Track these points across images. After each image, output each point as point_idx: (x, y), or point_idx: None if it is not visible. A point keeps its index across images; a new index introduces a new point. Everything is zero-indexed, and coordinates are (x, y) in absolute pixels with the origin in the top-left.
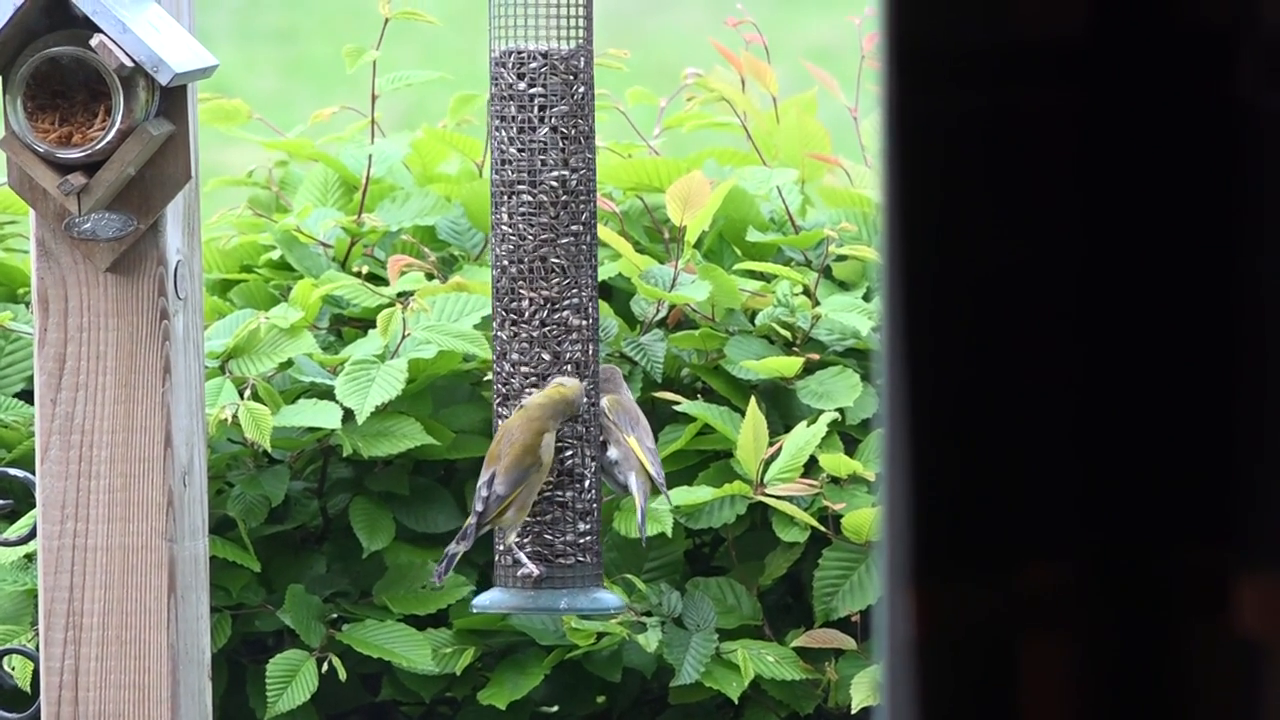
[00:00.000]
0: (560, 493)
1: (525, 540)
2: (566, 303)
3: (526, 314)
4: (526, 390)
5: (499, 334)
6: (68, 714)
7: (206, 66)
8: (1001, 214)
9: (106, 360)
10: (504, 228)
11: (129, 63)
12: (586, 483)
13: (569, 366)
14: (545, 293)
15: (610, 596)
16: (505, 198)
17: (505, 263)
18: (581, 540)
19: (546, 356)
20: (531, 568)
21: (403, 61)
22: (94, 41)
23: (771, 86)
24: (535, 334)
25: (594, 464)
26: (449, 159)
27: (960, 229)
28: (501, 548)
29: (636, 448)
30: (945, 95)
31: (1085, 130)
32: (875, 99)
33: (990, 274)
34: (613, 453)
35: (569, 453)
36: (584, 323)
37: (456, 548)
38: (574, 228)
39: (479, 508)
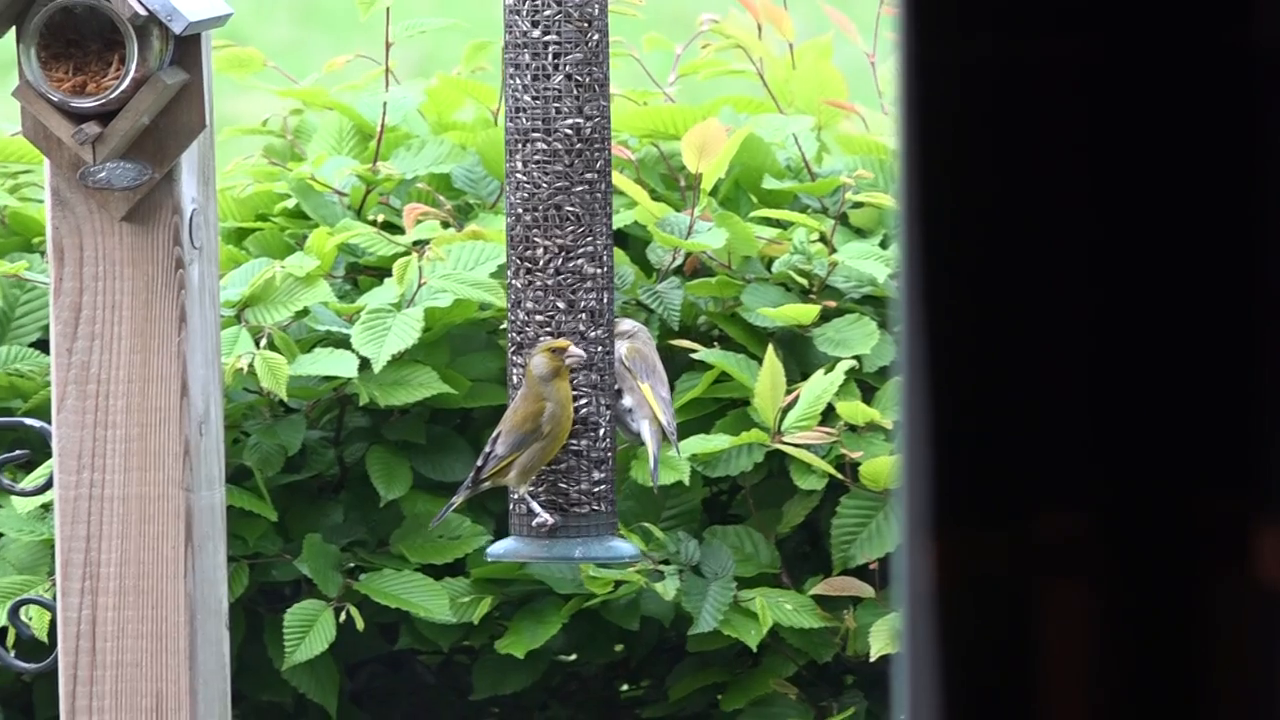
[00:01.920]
0: (575, 441)
1: (540, 489)
2: (581, 251)
3: (541, 262)
4: (540, 338)
5: (513, 282)
6: (85, 664)
7: (220, 15)
8: (1017, 160)
9: (122, 310)
10: (518, 176)
11: (143, 11)
12: (601, 431)
13: (583, 315)
14: (560, 241)
15: (625, 545)
16: (519, 146)
17: (520, 211)
18: (596, 489)
19: (561, 305)
20: (546, 517)
21: (417, 9)
22: None
23: (788, 32)
24: (550, 282)
25: (609, 412)
26: (464, 106)
27: (977, 175)
28: (515, 496)
29: (650, 395)
30: (962, 41)
31: (1101, 77)
32: (892, 44)
33: (1006, 220)
34: (626, 400)
35: (584, 401)
36: (598, 271)
37: (455, 498)
38: (588, 176)
39: (479, 462)
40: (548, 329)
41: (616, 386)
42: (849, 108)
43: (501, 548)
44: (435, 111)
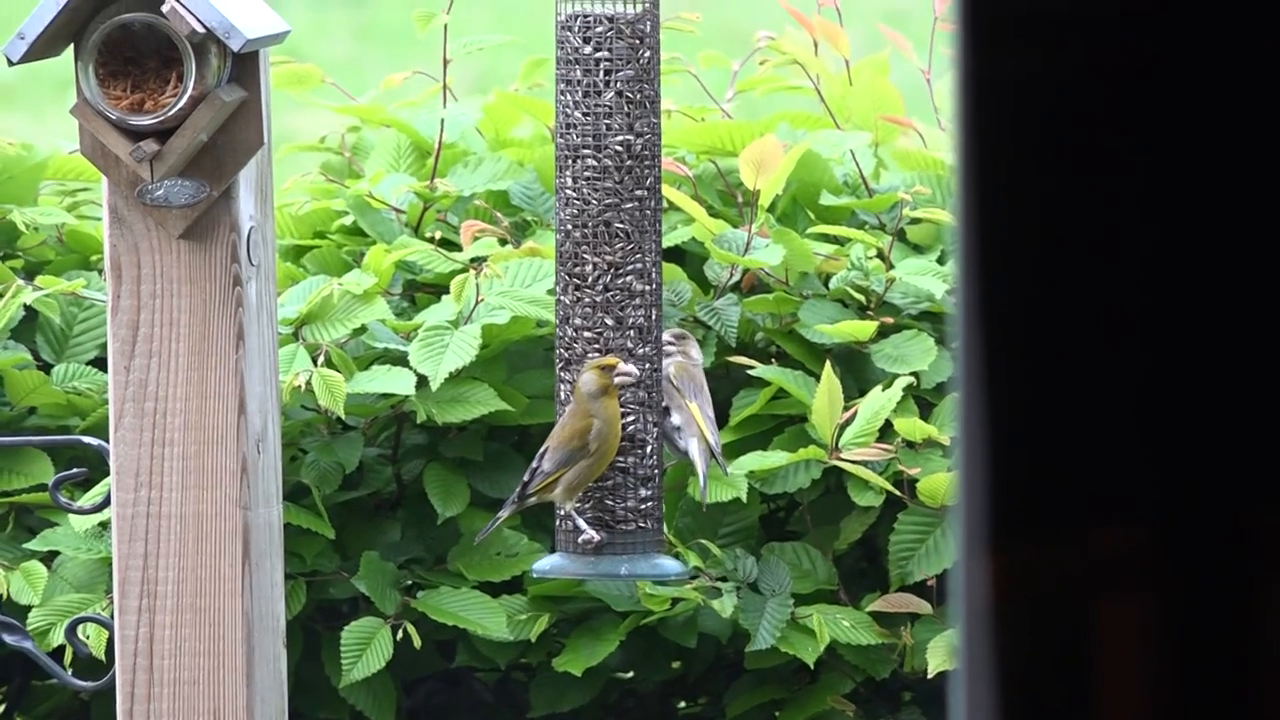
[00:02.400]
0: (621, 459)
1: (586, 506)
2: (630, 268)
3: (590, 279)
4: (589, 355)
5: (562, 298)
6: (143, 682)
7: (278, 32)
8: (1073, 174)
9: (179, 327)
10: (568, 192)
11: (200, 29)
12: (648, 449)
13: (631, 332)
14: (609, 258)
15: (671, 562)
16: (570, 162)
17: (569, 227)
18: (643, 506)
19: (609, 321)
20: (591, 534)
21: (475, 26)
22: (166, 8)
23: (844, 49)
24: (598, 299)
25: (656, 430)
26: (521, 123)
27: (1033, 189)
28: (561, 513)
29: (698, 414)
30: (1018, 56)
31: (1156, 89)
32: (948, 61)
33: (1062, 234)
34: (675, 418)
35: (631, 419)
36: (647, 288)
37: (501, 512)
38: (638, 193)
39: (525, 477)
40: (596, 346)
41: (664, 404)
42: (906, 123)
43: (547, 564)
44: (492, 128)
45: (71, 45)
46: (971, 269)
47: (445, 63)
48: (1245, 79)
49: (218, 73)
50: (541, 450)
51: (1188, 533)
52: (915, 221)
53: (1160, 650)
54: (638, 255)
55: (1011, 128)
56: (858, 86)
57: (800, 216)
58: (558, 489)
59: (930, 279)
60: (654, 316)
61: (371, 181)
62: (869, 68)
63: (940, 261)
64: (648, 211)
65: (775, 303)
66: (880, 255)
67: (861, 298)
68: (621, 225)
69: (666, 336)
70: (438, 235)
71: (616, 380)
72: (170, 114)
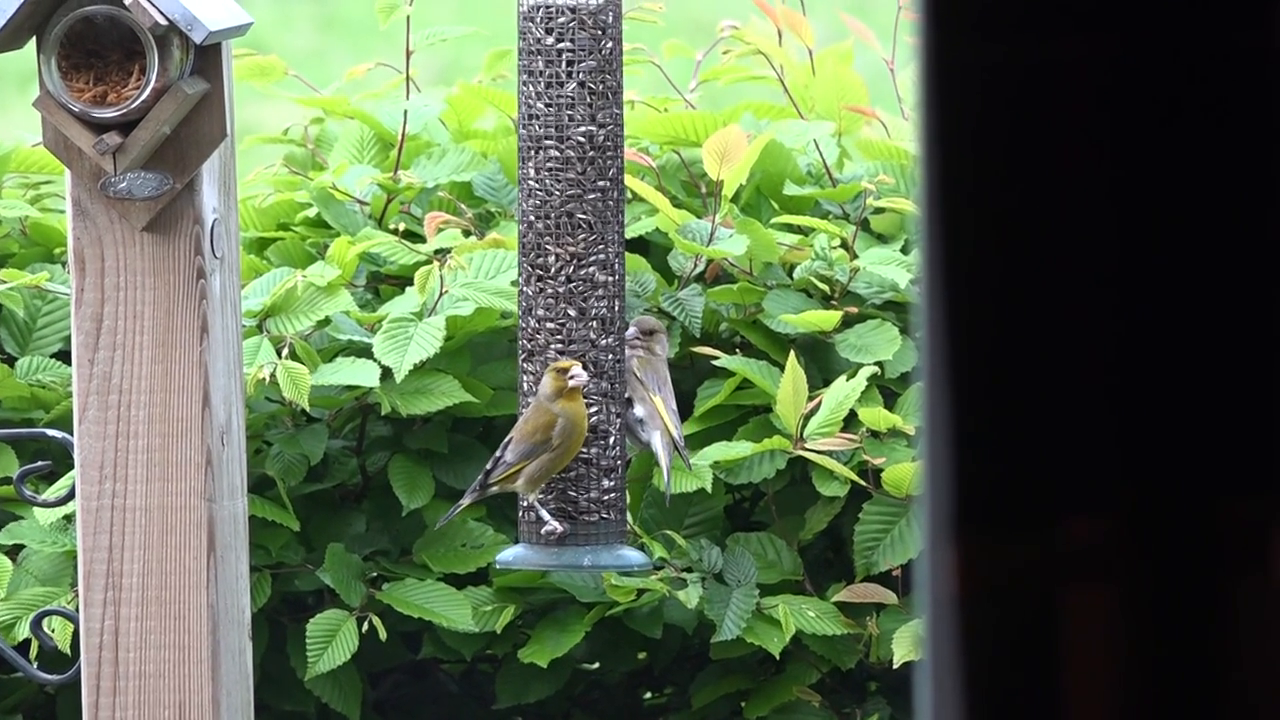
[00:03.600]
0: (585, 449)
1: (549, 497)
2: (593, 258)
3: (553, 269)
4: (551, 346)
5: (525, 289)
6: (108, 674)
7: (241, 24)
8: (1037, 163)
9: (144, 320)
10: (531, 183)
11: (163, 21)
12: (611, 439)
13: (594, 323)
14: (571, 248)
15: (634, 553)
16: (532, 153)
17: (532, 218)
18: (606, 497)
19: (572, 312)
20: (555, 525)
21: (438, 17)
22: (128, 0)
23: (808, 39)
24: (561, 289)
25: (619, 421)
26: (485, 114)
27: (997, 179)
28: (524, 504)
29: (661, 407)
30: (981, 46)
31: (1120, 80)
32: (912, 50)
33: (1027, 224)
34: (638, 410)
35: (594, 409)
36: (610, 279)
37: (464, 499)
38: (601, 183)
39: (488, 466)
40: (559, 337)
41: (627, 395)
42: (870, 113)
43: (511, 555)
44: (456, 119)
45: (34, 38)
46: (935, 258)
47: (408, 54)
48: (1212, 71)
49: (180, 65)
50: (506, 440)
51: (1153, 523)
52: (879, 211)
53: (1126, 640)
54: (600, 246)
55: (974, 117)
56: (821, 76)
57: (764, 206)
58: (520, 480)
59: (894, 268)
60: (617, 307)
61: (335, 173)
62: (832, 57)
63: (904, 251)
64: (610, 202)
65: (739, 293)
66: (844, 245)
67: (825, 288)
68: (584, 216)
69: (633, 330)
70: (401, 227)
71: (570, 384)
72: (133, 106)
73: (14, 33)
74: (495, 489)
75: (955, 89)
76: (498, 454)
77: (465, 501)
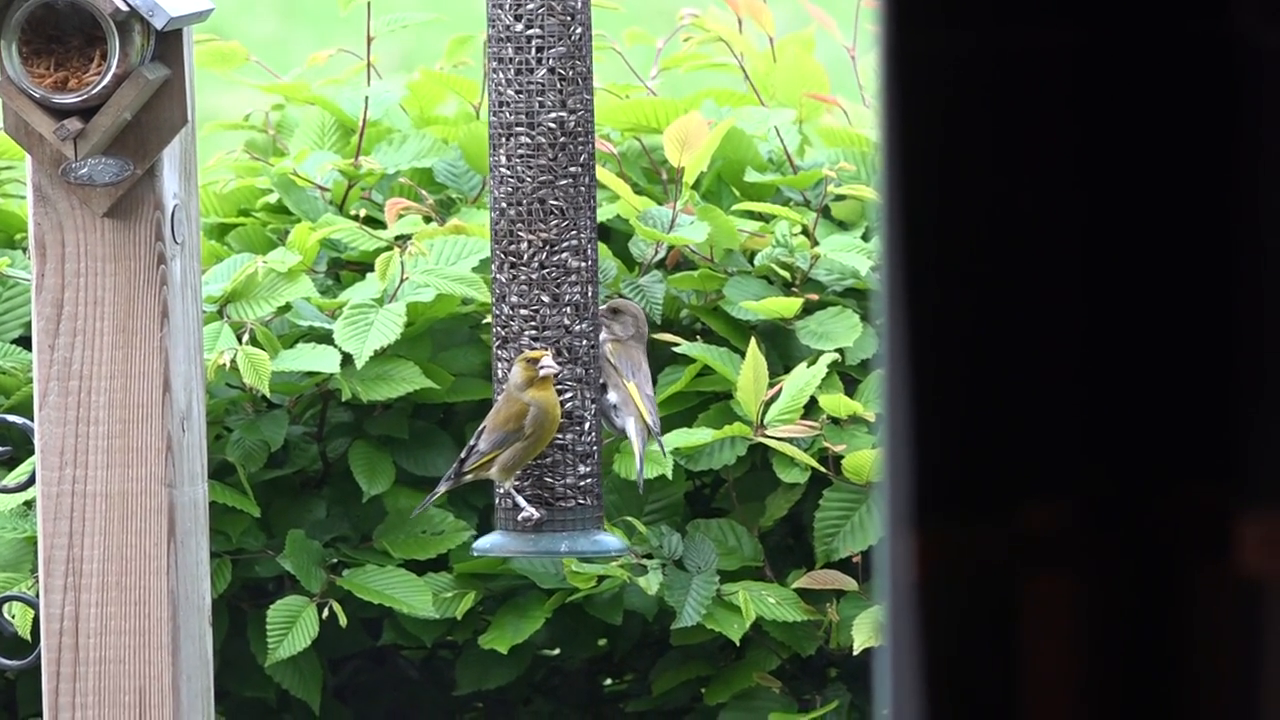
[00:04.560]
0: (560, 435)
1: (525, 484)
2: (565, 245)
3: (525, 256)
4: (525, 333)
5: (498, 276)
6: (68, 660)
7: (202, 10)
8: (1000, 153)
9: (104, 305)
10: (502, 170)
11: (124, 7)
12: (586, 425)
13: (568, 308)
14: (544, 235)
15: (612, 539)
16: (503, 140)
17: (504, 205)
18: (582, 483)
19: (545, 299)
20: (531, 511)
21: (399, 4)
22: None
23: (768, 26)
24: (534, 276)
25: (594, 406)
26: (446, 101)
27: (959, 168)
28: (501, 491)
29: (635, 393)
30: (943, 34)
31: (1083, 69)
32: (873, 38)
33: (989, 213)
34: (612, 396)
35: (569, 395)
36: (583, 265)
37: (436, 488)
38: (572, 169)
39: (462, 454)
40: (532, 323)
41: (601, 381)
42: (830, 101)
43: (487, 542)
44: (417, 106)
45: None
46: (896, 245)
47: (369, 41)
48: (1175, 59)
49: (141, 51)
50: (480, 429)
51: (1114, 510)
52: (840, 198)
53: (1087, 627)
54: (573, 232)
55: (935, 105)
56: (782, 63)
57: (725, 193)
58: (494, 468)
59: (855, 255)
60: (590, 293)
61: (296, 159)
62: (793, 44)
63: (865, 238)
64: (582, 188)
65: (700, 280)
66: (805, 232)
67: (786, 274)
68: (556, 202)
69: (602, 310)
70: (362, 213)
71: (541, 374)
72: (94, 92)
73: None
74: (469, 477)
75: (915, 76)
76: (472, 442)
77: (440, 490)
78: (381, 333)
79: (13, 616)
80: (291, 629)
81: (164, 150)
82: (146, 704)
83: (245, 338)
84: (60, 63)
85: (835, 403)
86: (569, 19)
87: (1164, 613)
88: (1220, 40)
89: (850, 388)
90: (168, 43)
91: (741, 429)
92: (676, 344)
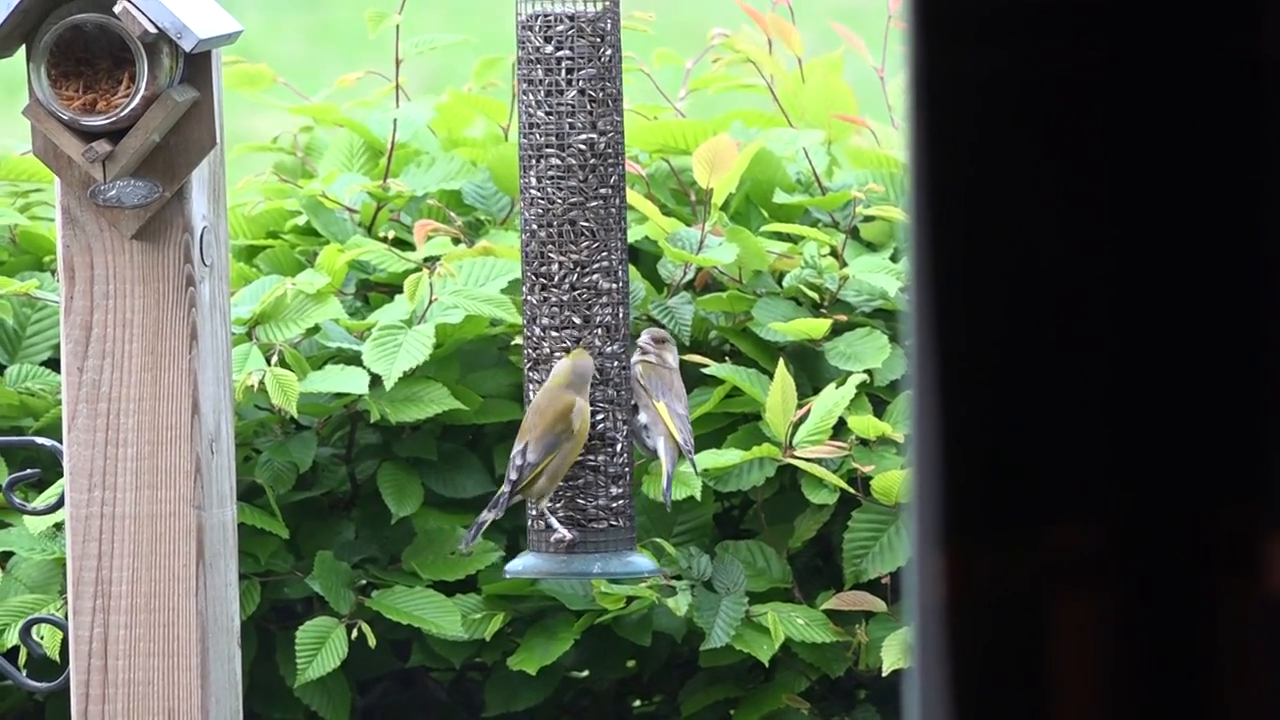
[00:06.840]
0: (592, 457)
1: (557, 505)
2: (596, 266)
3: (556, 278)
4: (557, 355)
5: (529, 298)
6: (97, 682)
7: (231, 32)
8: (1028, 174)
9: (133, 328)
10: (533, 192)
11: (153, 29)
12: (618, 446)
13: (599, 330)
14: (575, 256)
15: (643, 560)
16: (533, 161)
17: (534, 227)
18: (614, 504)
19: (577, 320)
20: (564, 532)
21: (427, 25)
22: (118, 8)
23: (797, 47)
24: (565, 298)
25: (625, 428)
26: (474, 123)
27: (987, 189)
28: (534, 512)
29: (665, 413)
30: (971, 55)
31: (1111, 89)
32: (901, 59)
33: (1018, 234)
34: (642, 417)
35: (600, 417)
36: (614, 286)
37: (487, 515)
38: (603, 191)
39: (513, 476)
40: (563, 345)
41: (633, 402)
42: (859, 122)
43: (520, 564)
44: (446, 128)
45: (23, 46)
46: (924, 266)
47: (398, 63)
48: (1203, 79)
49: (170, 73)
50: (520, 447)
51: (1142, 531)
52: (868, 219)
53: (1115, 648)
54: (603, 253)
55: (963, 125)
56: (811, 85)
57: (753, 215)
58: (542, 478)
59: (883, 276)
60: (621, 314)
61: (324, 181)
62: (822, 66)
63: (893, 259)
64: (612, 209)
65: (729, 301)
66: (833, 253)
67: (815, 295)
68: (587, 224)
69: (646, 338)
70: (391, 235)
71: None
72: (123, 114)
73: (3, 41)
74: (519, 497)
75: (944, 97)
76: (518, 461)
77: (488, 517)
78: (410, 354)
79: (42, 638)
80: (320, 650)
81: (192, 172)
82: None
83: (274, 359)
84: (89, 85)
85: (864, 424)
86: (599, 40)
87: (1192, 633)
88: (1250, 60)
89: (879, 409)
90: (196, 65)
91: (770, 450)
92: (705, 365)
